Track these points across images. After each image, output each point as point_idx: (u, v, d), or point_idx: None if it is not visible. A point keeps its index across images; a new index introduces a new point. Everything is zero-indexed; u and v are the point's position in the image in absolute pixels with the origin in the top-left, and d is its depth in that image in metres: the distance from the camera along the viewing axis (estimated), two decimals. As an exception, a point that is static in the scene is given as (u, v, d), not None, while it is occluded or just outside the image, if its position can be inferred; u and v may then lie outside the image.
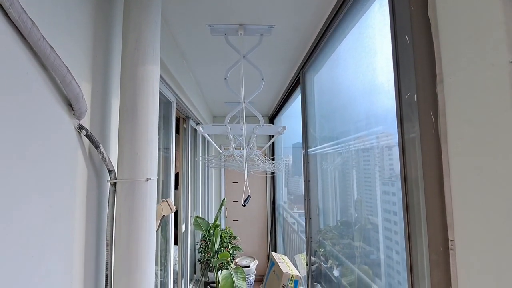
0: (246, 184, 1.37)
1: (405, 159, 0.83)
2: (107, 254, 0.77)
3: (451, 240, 0.70)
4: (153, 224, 0.81)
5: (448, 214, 0.71)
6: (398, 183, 0.87)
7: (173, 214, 2.24)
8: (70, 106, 0.68)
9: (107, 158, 0.77)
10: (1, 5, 0.48)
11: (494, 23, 0.58)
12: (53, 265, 0.63)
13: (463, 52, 0.67)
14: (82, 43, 0.75)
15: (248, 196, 1.34)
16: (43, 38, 0.55)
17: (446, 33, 0.72)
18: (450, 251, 0.70)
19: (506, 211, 0.55)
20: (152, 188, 0.82)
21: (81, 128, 0.71)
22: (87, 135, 0.72)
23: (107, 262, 0.77)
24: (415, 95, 0.77)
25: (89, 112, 0.76)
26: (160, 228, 1.36)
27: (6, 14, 0.50)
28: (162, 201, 1.10)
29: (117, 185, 0.79)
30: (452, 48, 0.70)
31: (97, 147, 0.74)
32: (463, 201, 0.67)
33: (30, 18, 0.52)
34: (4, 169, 0.50)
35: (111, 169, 0.79)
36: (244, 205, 1.34)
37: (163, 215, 1.07)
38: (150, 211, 0.81)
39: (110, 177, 0.79)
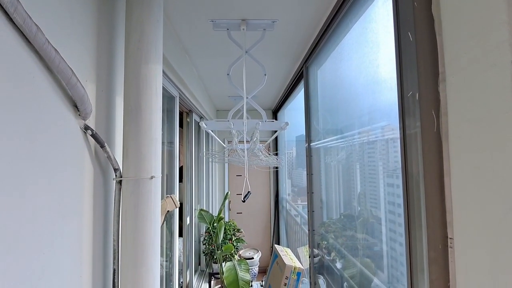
0: (246, 179, 1.38)
1: (406, 157, 0.84)
2: (114, 250, 0.79)
3: (450, 238, 0.71)
4: (158, 220, 0.84)
5: (448, 212, 0.72)
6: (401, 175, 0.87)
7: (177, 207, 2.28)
8: (75, 107, 0.70)
9: (112, 157, 0.79)
10: (5, 11, 0.49)
11: (497, 22, 0.57)
12: (64, 260, 0.65)
13: (465, 51, 0.66)
14: (86, 43, 0.76)
15: (248, 192, 1.36)
16: (48, 42, 0.56)
17: (449, 31, 0.71)
18: (449, 249, 0.71)
19: (504, 210, 0.56)
20: (156, 185, 0.84)
21: (86, 128, 0.72)
22: (93, 135, 0.73)
23: (114, 257, 0.80)
24: (417, 94, 0.77)
25: (94, 112, 0.78)
26: (165, 222, 1.39)
27: (11, 20, 0.51)
28: (167, 196, 1.12)
29: (123, 183, 0.81)
30: (454, 46, 0.70)
31: (102, 146, 0.76)
32: (463, 200, 0.68)
33: (35, 23, 0.53)
34: (16, 169, 0.52)
35: (116, 167, 0.81)
36: (243, 201, 1.36)
37: (168, 210, 1.10)
38: (155, 208, 0.83)
39: (116, 175, 0.81)
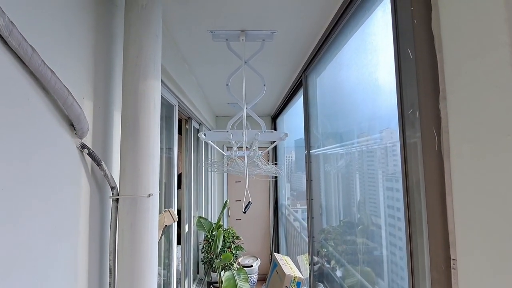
0: (246, 190, 1.37)
1: (407, 174, 0.83)
2: (110, 270, 0.78)
3: (453, 259, 0.70)
4: (155, 239, 0.82)
5: (450, 233, 0.71)
6: (402, 182, 0.86)
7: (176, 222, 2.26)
8: (72, 126, 0.68)
9: (109, 175, 0.78)
10: (0, 35, 0.48)
11: (498, 43, 0.57)
12: (58, 283, 0.64)
13: (466, 69, 0.66)
14: (83, 60, 0.75)
15: (249, 202, 1.35)
16: (44, 63, 0.55)
17: (450, 50, 0.71)
18: (452, 270, 0.70)
19: (509, 233, 0.55)
20: (154, 203, 0.83)
21: (83, 147, 0.71)
22: (89, 154, 0.72)
23: (110, 277, 0.78)
24: (417, 112, 0.77)
25: (91, 129, 0.76)
26: (163, 235, 1.37)
27: (6, 43, 0.50)
28: (165, 211, 1.11)
29: (120, 201, 0.79)
30: (455, 64, 0.69)
31: (99, 164, 0.75)
32: (466, 220, 0.67)
33: (30, 45, 0.52)
34: (10, 194, 0.51)
35: (113, 185, 0.79)
36: (244, 212, 1.34)
37: (166, 225, 1.08)
38: (152, 226, 0.81)
39: (113, 193, 0.80)
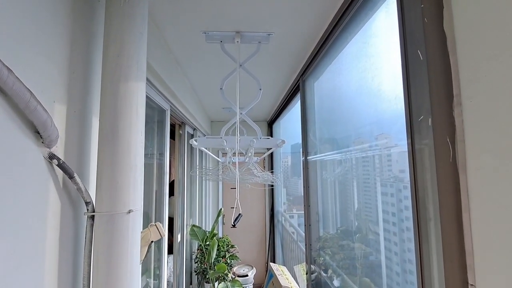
0: (237, 201, 1.28)
1: (417, 188, 0.75)
2: (83, 298, 0.68)
3: (472, 285, 0.62)
4: (136, 260, 0.73)
5: (468, 254, 0.63)
6: (399, 186, 0.79)
7: (167, 222, 2.16)
8: (38, 133, 0.59)
9: (83, 189, 0.69)
10: None
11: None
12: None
13: (485, 72, 0.58)
14: (55, 59, 0.66)
15: (239, 214, 1.25)
16: (-2, 60, 0.47)
17: (465, 50, 0.64)
18: (471, 297, 0.62)
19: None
20: (135, 220, 0.74)
21: (51, 157, 0.62)
22: (59, 165, 0.63)
23: (83, 306, 0.68)
24: (429, 119, 0.69)
25: (63, 137, 0.67)
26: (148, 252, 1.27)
27: None
28: (151, 225, 1.01)
29: (95, 218, 0.70)
30: (472, 67, 0.62)
31: (71, 177, 0.66)
32: (486, 241, 0.59)
33: (-21, 38, 0.44)
34: None
35: (88, 201, 0.70)
36: (234, 225, 1.25)
37: (152, 241, 0.99)
38: (133, 247, 0.72)
39: (88, 209, 0.70)
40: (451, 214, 0.66)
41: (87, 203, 0.70)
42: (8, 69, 0.49)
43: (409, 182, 0.76)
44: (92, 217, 0.70)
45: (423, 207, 0.73)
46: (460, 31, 0.65)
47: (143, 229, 0.95)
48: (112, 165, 0.70)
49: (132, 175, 0.73)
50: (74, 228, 0.71)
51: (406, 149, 0.76)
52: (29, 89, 0.53)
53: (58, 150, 0.66)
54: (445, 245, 0.66)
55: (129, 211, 0.71)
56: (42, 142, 0.61)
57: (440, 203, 0.67)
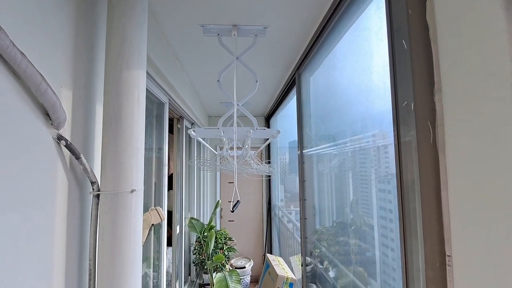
0: (235, 188, 1.33)
1: (401, 168, 0.80)
2: (90, 271, 0.73)
3: (448, 256, 0.68)
4: (138, 237, 0.78)
5: (445, 228, 0.69)
6: (394, 182, 0.84)
7: (166, 215, 2.21)
8: (47, 115, 0.64)
9: (89, 169, 0.73)
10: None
11: (495, 30, 0.55)
12: (29, 284, 0.59)
13: (462, 60, 0.63)
14: (62, 46, 0.70)
15: (238, 201, 1.31)
16: (13, 44, 0.51)
17: (445, 39, 0.69)
18: (447, 267, 0.68)
19: (506, 227, 0.53)
20: (137, 199, 0.78)
21: (60, 138, 0.67)
22: (67, 146, 0.68)
23: (90, 278, 0.73)
24: (412, 104, 0.74)
25: (69, 120, 0.72)
26: (152, 232, 1.32)
27: (-32, 19, 0.45)
28: (151, 209, 1.06)
29: (100, 197, 0.75)
30: (451, 55, 0.67)
31: (78, 158, 0.70)
32: (461, 215, 0.64)
33: (-3, 24, 0.48)
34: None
35: (93, 180, 0.75)
36: (232, 211, 1.30)
37: (153, 224, 1.04)
38: (136, 224, 0.77)
39: (93, 189, 0.75)
40: (431, 192, 0.71)
41: (92, 183, 0.75)
42: (22, 53, 0.53)
43: (394, 164, 0.81)
44: (98, 196, 0.75)
45: (406, 187, 0.78)
46: (441, 21, 0.70)
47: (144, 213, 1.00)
48: (116, 147, 0.75)
49: (134, 156, 0.77)
50: (80, 206, 0.76)
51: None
52: (40, 73, 0.57)
53: (65, 132, 0.70)
54: (425, 221, 0.72)
55: (132, 191, 0.76)
56: (51, 124, 0.65)
57: (421, 182, 0.72)
